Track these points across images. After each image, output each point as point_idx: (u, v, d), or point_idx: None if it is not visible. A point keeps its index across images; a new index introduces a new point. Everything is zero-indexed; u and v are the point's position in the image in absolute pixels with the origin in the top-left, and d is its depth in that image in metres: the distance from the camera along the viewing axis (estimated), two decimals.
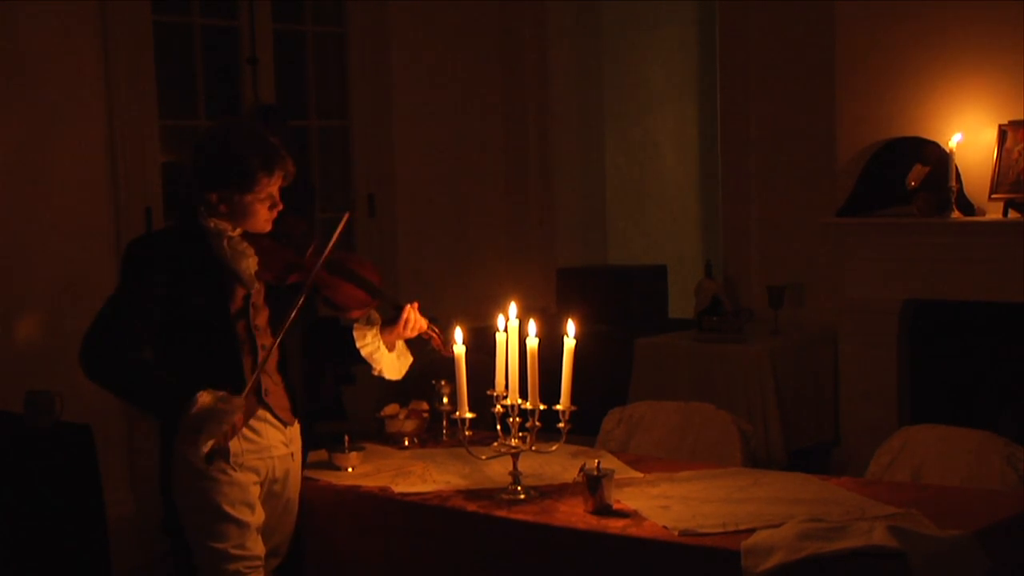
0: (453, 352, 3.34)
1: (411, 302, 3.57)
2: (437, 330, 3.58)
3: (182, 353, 3.27)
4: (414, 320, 3.54)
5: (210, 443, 3.12)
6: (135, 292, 3.22)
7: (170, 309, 3.22)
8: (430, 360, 3.82)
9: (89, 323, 3.25)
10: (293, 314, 3.28)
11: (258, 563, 3.32)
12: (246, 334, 3.31)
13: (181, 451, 3.23)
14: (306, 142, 6.39)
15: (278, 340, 3.28)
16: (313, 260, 3.38)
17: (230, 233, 3.29)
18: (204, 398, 3.13)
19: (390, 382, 3.73)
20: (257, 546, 3.32)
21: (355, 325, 3.55)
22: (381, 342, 3.55)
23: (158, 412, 3.29)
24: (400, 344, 3.61)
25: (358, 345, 3.52)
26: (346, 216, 3.42)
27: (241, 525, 3.27)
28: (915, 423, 4.11)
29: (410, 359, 3.65)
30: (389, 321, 3.55)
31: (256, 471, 3.33)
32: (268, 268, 3.32)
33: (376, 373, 3.60)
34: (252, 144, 3.26)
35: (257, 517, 3.33)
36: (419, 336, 3.58)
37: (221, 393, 3.15)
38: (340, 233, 3.38)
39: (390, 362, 3.59)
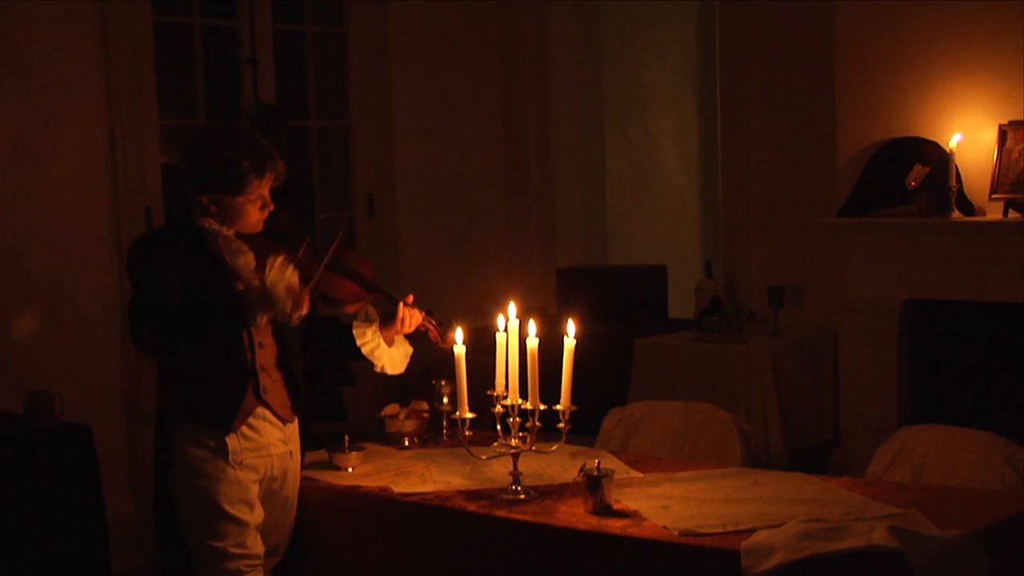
0: (452, 343, 3.36)
1: (405, 295, 3.58)
2: (434, 322, 3.59)
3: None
4: (410, 317, 3.55)
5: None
6: (154, 280, 3.22)
7: (179, 298, 3.22)
8: (430, 360, 3.82)
9: (129, 324, 3.28)
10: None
11: (257, 562, 3.33)
12: (245, 331, 3.31)
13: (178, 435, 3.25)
14: (306, 142, 6.39)
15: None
16: (308, 257, 3.38)
17: (225, 233, 3.30)
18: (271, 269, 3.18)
19: (390, 382, 3.74)
20: (256, 545, 3.33)
21: (354, 324, 3.57)
22: (381, 339, 3.56)
23: (232, 319, 3.24)
24: (400, 338, 3.63)
25: (359, 343, 3.55)
26: (340, 233, 3.44)
27: (240, 523, 3.28)
28: (915, 423, 4.11)
29: (410, 349, 3.67)
30: (387, 318, 3.56)
31: (255, 469, 3.34)
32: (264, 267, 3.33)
33: (379, 370, 3.62)
34: (241, 146, 3.27)
35: (256, 516, 3.33)
36: (417, 329, 3.59)
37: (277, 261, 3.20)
38: (336, 248, 3.39)
39: (391, 357, 3.61)
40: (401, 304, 3.55)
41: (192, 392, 3.28)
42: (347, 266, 3.50)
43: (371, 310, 3.57)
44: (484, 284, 6.60)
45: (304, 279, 3.30)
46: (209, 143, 3.31)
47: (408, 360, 3.67)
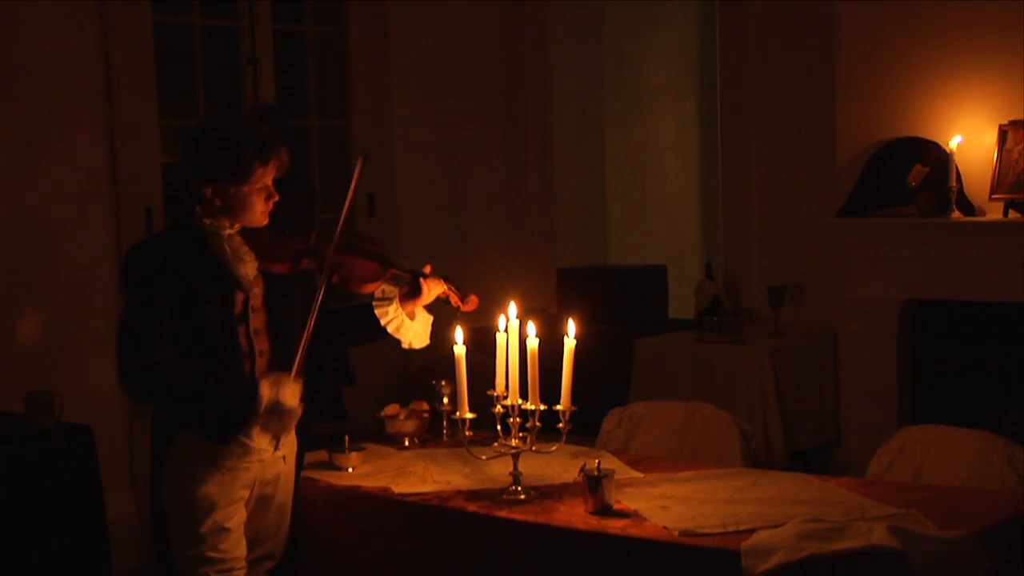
0: (473, 304, 3.41)
1: (421, 267, 3.54)
2: (453, 287, 3.55)
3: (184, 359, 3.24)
4: (432, 286, 3.50)
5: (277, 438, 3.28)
6: (147, 300, 3.16)
7: (176, 314, 3.18)
8: (431, 360, 3.81)
9: (116, 352, 3.19)
10: (320, 296, 3.26)
11: (234, 565, 3.28)
12: (245, 338, 3.28)
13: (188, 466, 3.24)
14: (306, 142, 6.39)
15: (312, 322, 3.23)
16: (320, 243, 3.35)
17: (228, 231, 3.25)
18: (265, 391, 3.17)
19: (389, 382, 3.73)
20: (235, 549, 3.28)
21: (374, 303, 3.50)
22: (404, 315, 3.51)
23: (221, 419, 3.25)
24: (418, 309, 3.57)
25: (383, 322, 3.48)
26: (360, 160, 3.40)
27: (218, 528, 3.23)
28: (915, 423, 4.11)
29: (430, 317, 3.60)
30: (406, 293, 3.51)
31: (245, 474, 3.29)
32: (278, 260, 3.29)
33: (406, 346, 3.57)
34: (245, 134, 3.22)
35: (237, 520, 3.29)
36: (436, 297, 3.55)
37: (274, 379, 3.20)
38: (358, 179, 3.36)
39: (416, 331, 3.55)
40: (422, 279, 3.51)
41: (189, 402, 3.23)
42: (360, 246, 3.46)
43: (387, 287, 3.51)
44: (484, 284, 6.57)
45: (321, 266, 3.29)
46: (211, 133, 3.26)
47: (430, 329, 3.60)
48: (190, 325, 3.19)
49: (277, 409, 3.18)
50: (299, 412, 3.24)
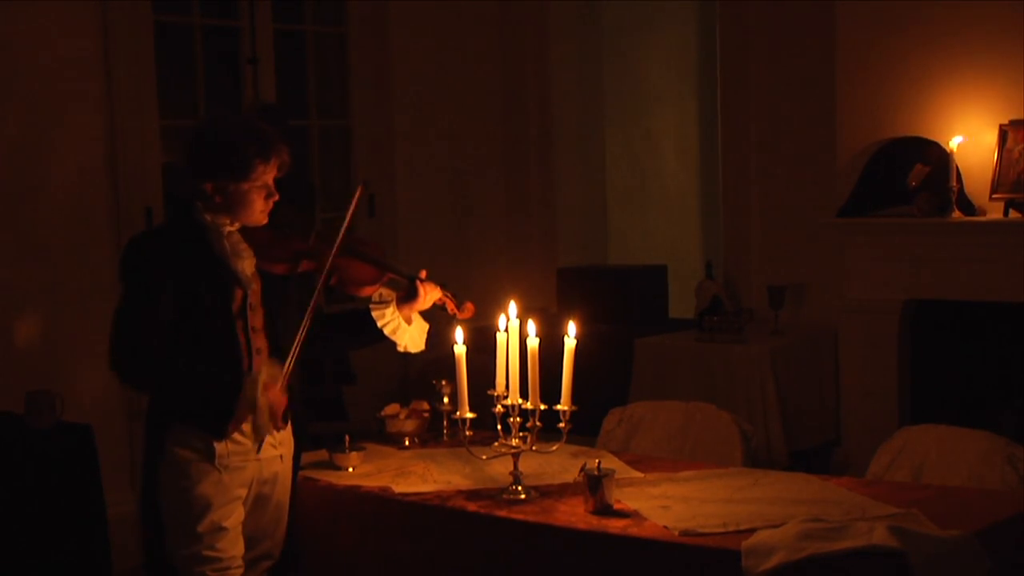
0: (469, 312, 3.43)
1: (418, 272, 3.56)
2: (450, 294, 3.57)
3: (182, 354, 3.24)
4: (429, 291, 3.53)
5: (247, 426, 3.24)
6: (144, 290, 3.17)
7: (173, 308, 3.18)
8: (430, 360, 3.81)
9: (109, 337, 3.20)
10: (315, 298, 3.27)
11: (229, 564, 3.27)
12: (243, 335, 3.28)
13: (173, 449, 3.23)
14: (306, 142, 6.39)
15: (306, 326, 3.23)
16: (319, 245, 3.36)
17: (228, 228, 3.25)
18: (248, 388, 3.16)
19: (389, 382, 3.73)
20: (232, 548, 3.27)
21: (371, 306, 3.53)
22: (400, 318, 3.54)
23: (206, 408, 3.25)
24: (415, 315, 3.60)
25: (379, 325, 3.52)
26: (360, 188, 3.42)
27: (216, 527, 3.23)
28: (915, 423, 4.11)
29: (426, 325, 3.63)
30: (402, 297, 3.54)
31: (242, 473, 3.28)
32: (277, 260, 3.29)
33: (401, 349, 3.61)
34: (247, 131, 3.23)
35: (235, 520, 3.28)
36: (433, 304, 3.57)
37: (254, 375, 3.19)
38: (356, 205, 3.38)
39: (411, 335, 3.59)
40: (419, 282, 3.53)
41: (186, 396, 3.23)
42: (359, 249, 3.47)
43: (384, 291, 3.53)
44: (484, 284, 6.59)
45: (319, 268, 3.29)
46: (213, 129, 3.28)
47: (426, 336, 3.63)
48: (189, 319, 3.19)
49: (251, 405, 3.17)
50: (270, 410, 3.20)
